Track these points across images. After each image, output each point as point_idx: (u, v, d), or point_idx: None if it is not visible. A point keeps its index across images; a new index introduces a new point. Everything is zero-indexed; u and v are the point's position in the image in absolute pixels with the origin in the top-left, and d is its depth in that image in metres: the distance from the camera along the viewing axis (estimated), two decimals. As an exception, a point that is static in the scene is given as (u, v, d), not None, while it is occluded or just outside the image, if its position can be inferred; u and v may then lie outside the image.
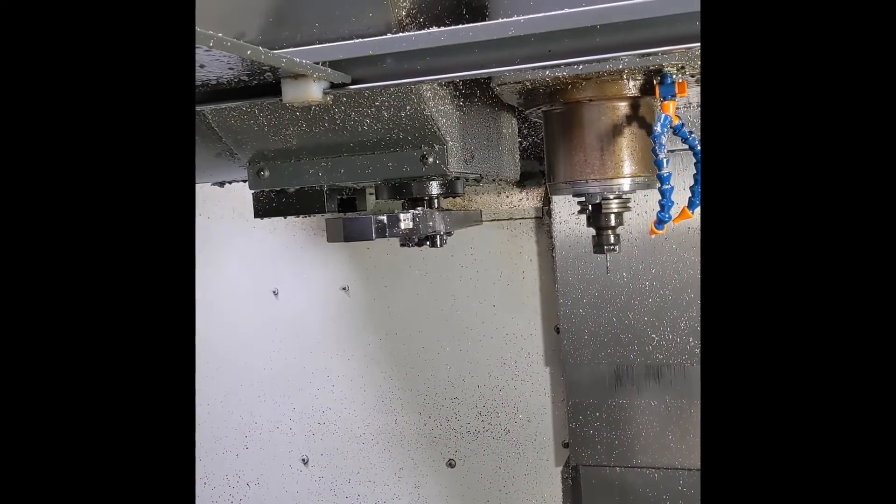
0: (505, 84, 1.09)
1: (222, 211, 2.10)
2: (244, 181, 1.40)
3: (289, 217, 1.44)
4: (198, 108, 1.03)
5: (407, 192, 1.29)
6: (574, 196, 1.20)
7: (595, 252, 1.22)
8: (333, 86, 0.96)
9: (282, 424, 2.12)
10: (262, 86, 0.95)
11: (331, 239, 1.12)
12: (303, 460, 2.11)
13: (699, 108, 1.38)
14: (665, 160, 1.04)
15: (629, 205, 1.19)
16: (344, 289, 2.01)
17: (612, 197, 1.15)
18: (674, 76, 1.03)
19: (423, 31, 0.94)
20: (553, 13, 0.88)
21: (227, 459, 2.19)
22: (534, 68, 0.92)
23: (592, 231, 1.22)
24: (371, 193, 1.51)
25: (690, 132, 1.10)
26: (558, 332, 1.73)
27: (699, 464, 1.58)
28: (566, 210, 1.63)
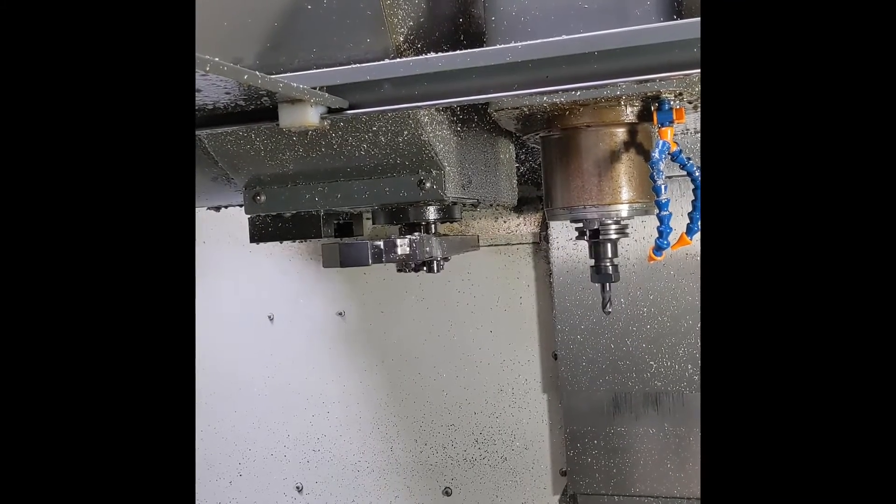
0: (502, 110, 1.09)
1: (218, 235, 2.09)
2: (240, 206, 1.40)
3: (285, 242, 1.43)
4: (194, 133, 1.03)
5: (404, 218, 1.28)
6: (572, 222, 1.20)
7: (593, 281, 1.21)
8: (331, 111, 0.96)
9: (276, 451, 2.10)
10: (259, 110, 0.95)
11: (326, 264, 1.11)
12: (297, 488, 2.08)
13: (697, 135, 1.38)
14: (663, 186, 1.04)
15: (627, 231, 1.19)
16: (340, 314, 2.00)
17: (609, 223, 1.15)
18: (671, 102, 1.03)
19: (420, 57, 0.94)
20: (550, 39, 0.88)
21: (221, 487, 2.16)
22: (531, 94, 0.92)
23: (591, 257, 1.21)
24: (368, 218, 1.51)
25: (688, 158, 1.10)
26: (556, 359, 1.71)
27: (698, 493, 1.56)
28: (564, 236, 1.62)
